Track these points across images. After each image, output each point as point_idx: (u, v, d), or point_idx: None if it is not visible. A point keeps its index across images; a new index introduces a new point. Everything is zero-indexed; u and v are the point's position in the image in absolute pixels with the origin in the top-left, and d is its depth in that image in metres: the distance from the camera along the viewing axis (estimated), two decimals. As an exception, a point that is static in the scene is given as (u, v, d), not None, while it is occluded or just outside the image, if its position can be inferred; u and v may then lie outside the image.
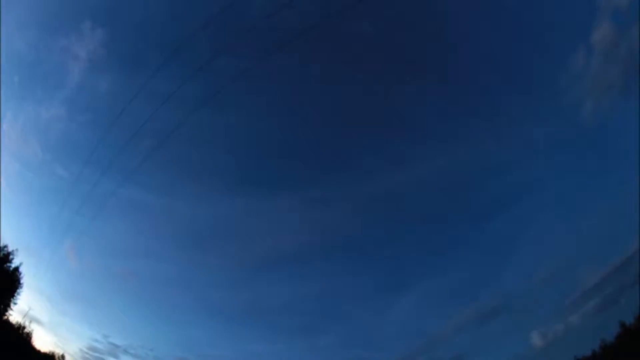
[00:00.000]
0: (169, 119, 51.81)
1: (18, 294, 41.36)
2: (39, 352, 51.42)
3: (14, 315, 44.94)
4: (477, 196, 79.20)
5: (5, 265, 39.96)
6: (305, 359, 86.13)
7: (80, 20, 68.62)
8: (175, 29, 66.85)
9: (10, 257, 40.55)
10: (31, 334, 48.96)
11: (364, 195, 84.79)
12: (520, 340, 61.04)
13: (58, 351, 57.52)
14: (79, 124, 75.18)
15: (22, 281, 41.50)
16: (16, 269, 41.06)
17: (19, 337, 45.67)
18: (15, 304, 41.71)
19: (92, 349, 77.39)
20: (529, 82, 69.28)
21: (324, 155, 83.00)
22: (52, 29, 69.22)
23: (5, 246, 40.94)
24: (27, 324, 48.89)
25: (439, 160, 78.39)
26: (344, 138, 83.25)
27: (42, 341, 63.97)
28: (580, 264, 59.23)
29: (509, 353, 61.11)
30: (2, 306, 40.45)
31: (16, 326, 46.50)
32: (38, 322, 55.43)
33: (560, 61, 64.37)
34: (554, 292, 61.18)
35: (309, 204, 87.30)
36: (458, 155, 76.67)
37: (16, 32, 61.51)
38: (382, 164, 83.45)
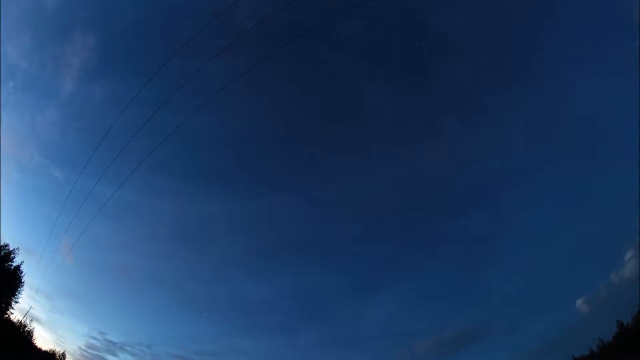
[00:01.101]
0: (162, 123, 52.41)
1: (19, 292, 41.48)
2: (40, 350, 51.65)
3: (15, 314, 45.19)
4: (476, 186, 79.14)
5: (6, 264, 39.98)
6: (286, 355, 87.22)
7: (75, 26, 68.27)
8: (167, 34, 66.76)
9: (12, 255, 40.56)
10: (32, 332, 49.25)
11: (343, 194, 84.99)
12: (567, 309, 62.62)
13: (59, 349, 57.86)
14: (74, 128, 75.54)
15: (23, 280, 41.62)
16: (17, 267, 41.11)
17: (21, 336, 45.83)
18: (16, 302, 41.82)
19: (91, 346, 77.78)
20: (523, 77, 69.15)
21: (302, 155, 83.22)
22: (46, 34, 68.68)
23: (6, 245, 40.99)
24: (28, 322, 49.16)
25: (426, 156, 78.54)
26: (322, 138, 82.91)
27: (41, 339, 64.14)
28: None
29: (558, 321, 61.81)
30: (3, 305, 40.53)
31: (17, 325, 46.69)
32: (37, 320, 55.50)
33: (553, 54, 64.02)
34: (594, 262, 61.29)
35: (289, 203, 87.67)
36: (445, 151, 76.73)
37: (11, 37, 61.19)
38: (361, 162, 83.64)
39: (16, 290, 40.70)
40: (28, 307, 51.43)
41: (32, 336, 48.92)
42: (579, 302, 62.77)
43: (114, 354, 79.23)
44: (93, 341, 77.84)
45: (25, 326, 48.20)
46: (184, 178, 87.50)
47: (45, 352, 53.32)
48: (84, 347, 77.17)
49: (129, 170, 47.78)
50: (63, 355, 57.07)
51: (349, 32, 67.62)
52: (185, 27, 62.06)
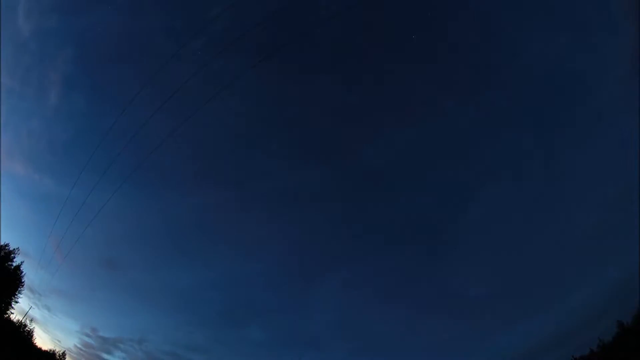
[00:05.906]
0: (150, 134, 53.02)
1: (19, 292, 41.49)
2: (40, 350, 51.70)
3: (15, 314, 45.22)
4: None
5: (6, 264, 39.99)
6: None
7: (63, 35, 67.08)
8: (157, 47, 66.29)
9: (12, 255, 40.59)
10: (32, 332, 49.31)
11: (278, 187, 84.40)
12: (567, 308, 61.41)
13: (58, 349, 57.94)
14: (64, 137, 75.16)
15: (23, 280, 41.62)
16: (17, 267, 41.12)
17: (21, 336, 45.90)
18: (16, 302, 41.84)
19: (86, 345, 78.20)
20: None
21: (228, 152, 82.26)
22: (36, 42, 67.68)
23: (6, 245, 40.99)
24: (27, 322, 49.24)
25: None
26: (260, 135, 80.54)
27: (40, 339, 64.26)
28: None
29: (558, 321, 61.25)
30: (3, 305, 40.53)
31: (17, 324, 46.76)
32: (35, 320, 55.50)
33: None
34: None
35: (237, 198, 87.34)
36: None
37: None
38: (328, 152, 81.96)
39: (16, 290, 40.74)
40: (27, 307, 51.55)
41: (32, 336, 49.02)
42: (579, 301, 62.77)
43: (109, 352, 79.50)
44: (87, 339, 78.05)
45: (25, 326, 48.30)
46: (166, 175, 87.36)
47: (46, 352, 53.35)
48: (79, 346, 77.48)
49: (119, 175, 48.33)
50: (63, 354, 57.13)
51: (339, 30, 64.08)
52: (167, 39, 61.41)
